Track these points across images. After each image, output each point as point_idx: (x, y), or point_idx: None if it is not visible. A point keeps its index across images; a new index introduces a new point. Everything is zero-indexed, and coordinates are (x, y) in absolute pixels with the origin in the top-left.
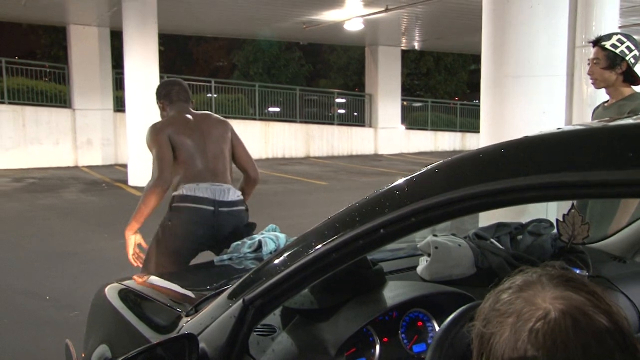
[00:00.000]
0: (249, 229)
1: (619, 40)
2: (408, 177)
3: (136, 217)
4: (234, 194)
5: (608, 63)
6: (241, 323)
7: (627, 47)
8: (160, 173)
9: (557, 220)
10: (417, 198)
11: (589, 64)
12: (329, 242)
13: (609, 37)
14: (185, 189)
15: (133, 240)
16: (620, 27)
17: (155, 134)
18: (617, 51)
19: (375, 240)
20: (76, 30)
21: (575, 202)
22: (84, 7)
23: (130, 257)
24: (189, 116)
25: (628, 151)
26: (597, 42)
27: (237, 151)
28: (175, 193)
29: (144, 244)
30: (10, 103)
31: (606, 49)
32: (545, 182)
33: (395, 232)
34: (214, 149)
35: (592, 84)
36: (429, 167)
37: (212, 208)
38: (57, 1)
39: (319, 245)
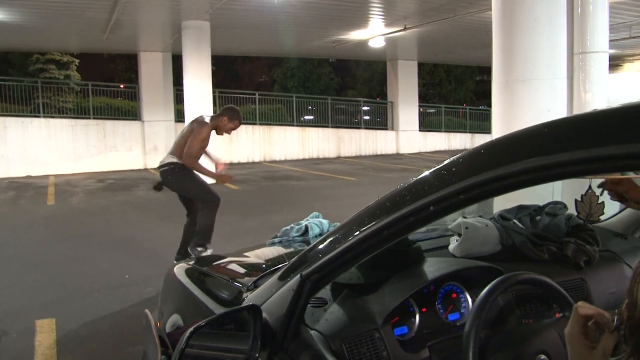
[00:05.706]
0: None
1: None
2: (455, 158)
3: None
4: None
5: None
6: (299, 295)
7: None
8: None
9: (576, 200)
10: (465, 176)
11: None
12: (381, 220)
13: None
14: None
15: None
16: (610, 41)
17: None
18: None
19: (425, 217)
20: (145, 56)
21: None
22: (152, 37)
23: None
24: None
25: None
26: None
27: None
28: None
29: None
30: (94, 118)
31: None
32: (584, 157)
33: (445, 209)
34: (178, 138)
35: None
36: (474, 148)
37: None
38: (131, 34)
39: (372, 224)
